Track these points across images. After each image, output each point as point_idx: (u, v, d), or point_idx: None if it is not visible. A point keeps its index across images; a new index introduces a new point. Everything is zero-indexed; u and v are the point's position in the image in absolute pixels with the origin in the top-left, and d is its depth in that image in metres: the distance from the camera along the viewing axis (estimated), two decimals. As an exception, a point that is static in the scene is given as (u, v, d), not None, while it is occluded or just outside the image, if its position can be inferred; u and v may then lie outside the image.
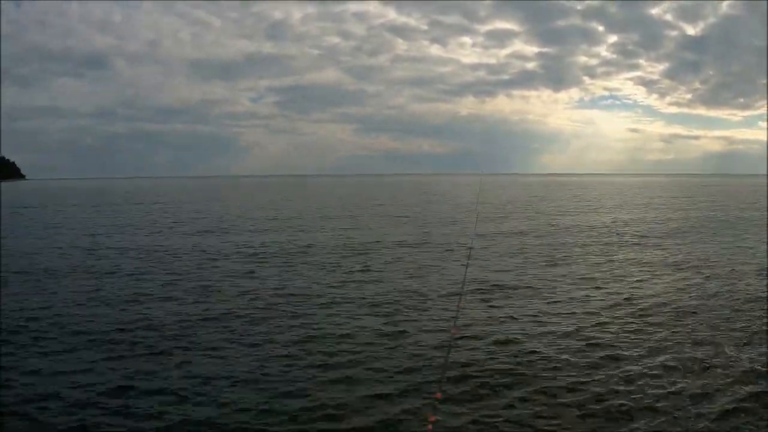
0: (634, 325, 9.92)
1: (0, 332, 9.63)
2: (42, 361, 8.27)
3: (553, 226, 29.17)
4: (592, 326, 9.85)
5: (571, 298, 12.11)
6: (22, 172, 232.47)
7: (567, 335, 9.32)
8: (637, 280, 14.03)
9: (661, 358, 8.18)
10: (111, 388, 7.20)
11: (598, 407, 6.54)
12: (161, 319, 10.48)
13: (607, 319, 10.35)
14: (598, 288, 13.11)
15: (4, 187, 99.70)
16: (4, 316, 10.68)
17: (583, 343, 8.91)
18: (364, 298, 12.00)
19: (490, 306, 11.24)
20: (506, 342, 8.90)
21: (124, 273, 15.36)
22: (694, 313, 10.78)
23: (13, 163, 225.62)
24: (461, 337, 8.87)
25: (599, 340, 9.05)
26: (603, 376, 7.50)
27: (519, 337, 9.19)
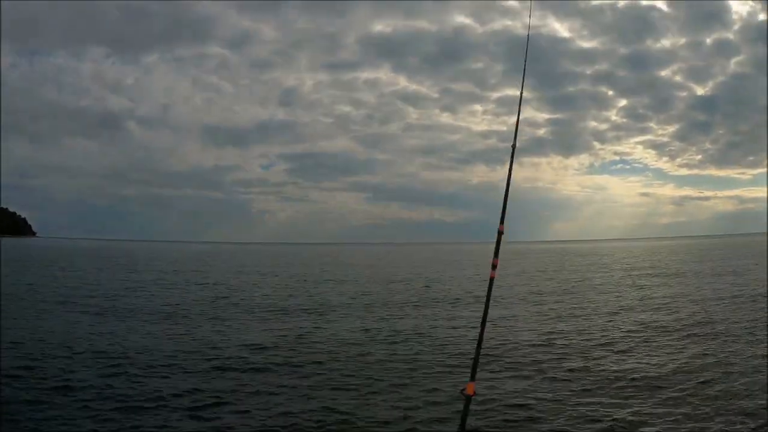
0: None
1: None
2: None
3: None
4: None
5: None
6: (33, 229, 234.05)
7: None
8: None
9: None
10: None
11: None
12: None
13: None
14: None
15: (9, 244, 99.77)
16: None
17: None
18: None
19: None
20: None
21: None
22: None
23: (24, 219, 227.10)
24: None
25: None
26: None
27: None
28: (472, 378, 4.03)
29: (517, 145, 4.41)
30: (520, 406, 7.65)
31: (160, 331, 13.53)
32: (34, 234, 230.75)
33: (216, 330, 13.84)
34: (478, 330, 4.08)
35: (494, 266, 4.24)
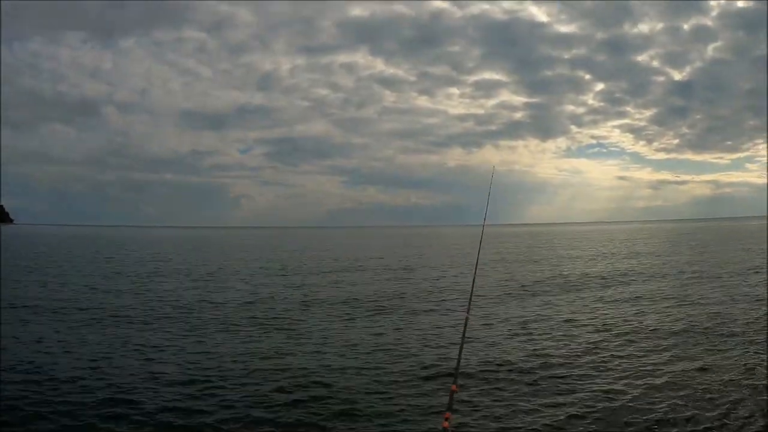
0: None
1: None
2: None
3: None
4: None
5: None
6: (11, 216, 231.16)
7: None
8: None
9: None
10: None
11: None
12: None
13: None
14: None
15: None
16: None
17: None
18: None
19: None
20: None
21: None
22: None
23: (2, 206, 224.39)
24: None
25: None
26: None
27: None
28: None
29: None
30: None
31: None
32: (11, 221, 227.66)
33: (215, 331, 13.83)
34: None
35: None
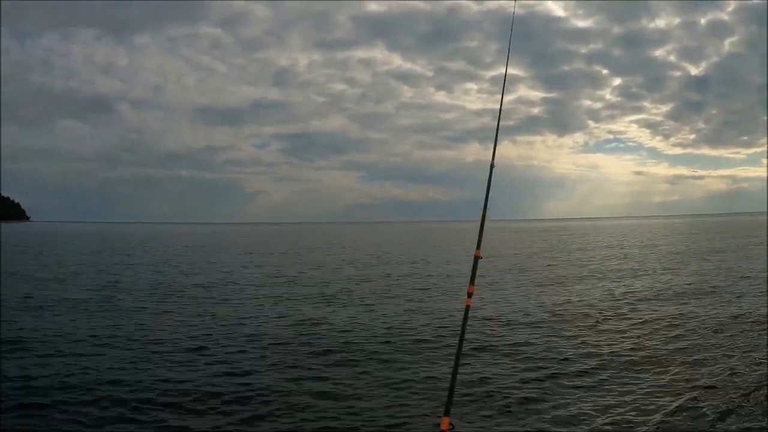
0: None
1: None
2: None
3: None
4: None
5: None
6: (27, 213, 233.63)
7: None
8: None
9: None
10: None
11: None
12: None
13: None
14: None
15: (9, 229, 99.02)
16: None
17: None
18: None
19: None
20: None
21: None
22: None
23: (18, 204, 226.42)
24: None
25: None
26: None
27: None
28: (447, 413, 3.87)
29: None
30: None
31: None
32: (27, 219, 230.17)
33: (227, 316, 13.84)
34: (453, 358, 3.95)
35: (470, 294, 4.07)
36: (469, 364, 9.34)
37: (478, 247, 4.03)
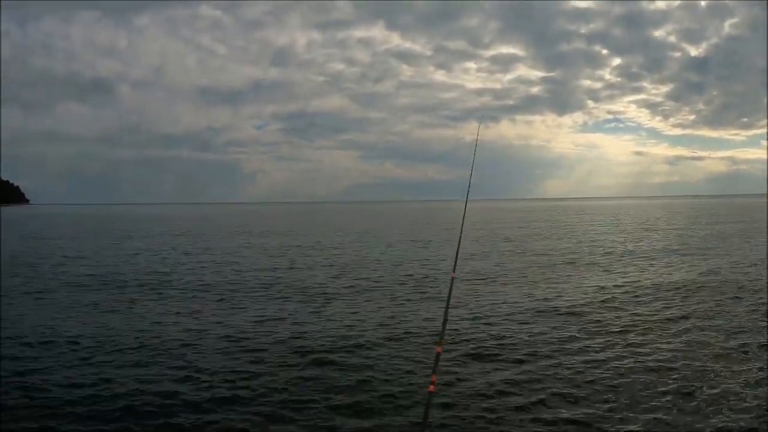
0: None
1: None
2: None
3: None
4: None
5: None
6: (27, 197, 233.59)
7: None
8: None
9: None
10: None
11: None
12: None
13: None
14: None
15: (7, 213, 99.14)
16: None
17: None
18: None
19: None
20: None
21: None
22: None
23: (18, 187, 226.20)
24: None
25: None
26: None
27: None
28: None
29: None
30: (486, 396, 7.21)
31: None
32: (27, 202, 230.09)
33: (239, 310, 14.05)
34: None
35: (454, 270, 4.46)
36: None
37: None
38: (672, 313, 11.68)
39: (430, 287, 15.56)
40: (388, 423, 6.41)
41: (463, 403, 6.83)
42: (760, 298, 13.10)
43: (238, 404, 7.04)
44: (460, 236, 4.44)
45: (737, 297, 13.34)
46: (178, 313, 12.55)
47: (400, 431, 6.17)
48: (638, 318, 11.30)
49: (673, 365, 8.18)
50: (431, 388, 3.98)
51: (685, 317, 11.31)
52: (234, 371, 8.28)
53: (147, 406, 6.96)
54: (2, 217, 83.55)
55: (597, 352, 8.95)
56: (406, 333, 10.38)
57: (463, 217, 4.51)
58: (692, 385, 7.31)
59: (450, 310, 4.14)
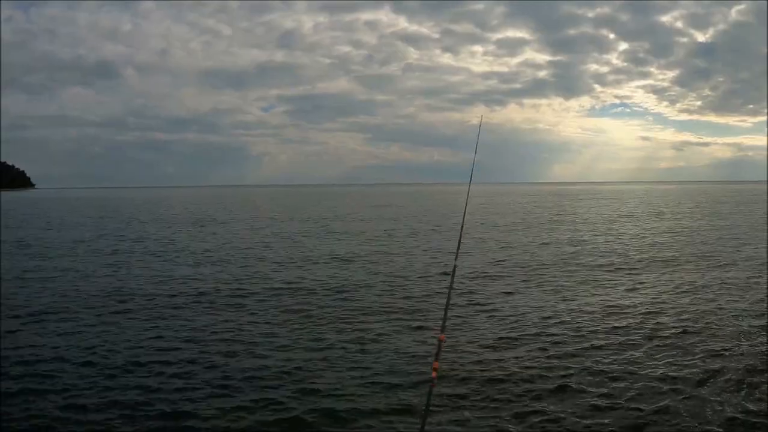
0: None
1: None
2: None
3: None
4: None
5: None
6: (32, 181, 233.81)
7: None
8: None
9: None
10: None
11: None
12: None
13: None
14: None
15: (8, 197, 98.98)
16: None
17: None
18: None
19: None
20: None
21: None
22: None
23: (23, 172, 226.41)
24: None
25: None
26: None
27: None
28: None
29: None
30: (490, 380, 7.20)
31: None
32: (33, 186, 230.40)
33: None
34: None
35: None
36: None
37: (443, 331, 4.02)
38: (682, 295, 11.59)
39: (431, 277, 15.37)
40: (391, 409, 6.37)
41: (464, 392, 6.78)
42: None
43: (239, 391, 7.04)
44: (462, 224, 4.32)
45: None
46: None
47: (403, 418, 6.14)
48: (651, 316, 10.96)
49: (680, 343, 8.14)
50: (434, 375, 3.92)
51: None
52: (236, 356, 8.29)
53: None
54: (1, 202, 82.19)
55: (601, 342, 8.86)
56: (408, 320, 10.34)
57: (466, 203, 4.39)
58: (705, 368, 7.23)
59: (453, 298, 4.07)
